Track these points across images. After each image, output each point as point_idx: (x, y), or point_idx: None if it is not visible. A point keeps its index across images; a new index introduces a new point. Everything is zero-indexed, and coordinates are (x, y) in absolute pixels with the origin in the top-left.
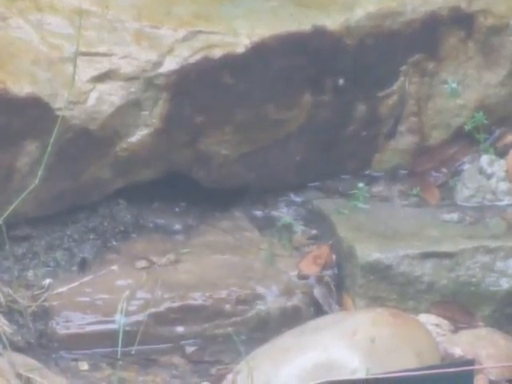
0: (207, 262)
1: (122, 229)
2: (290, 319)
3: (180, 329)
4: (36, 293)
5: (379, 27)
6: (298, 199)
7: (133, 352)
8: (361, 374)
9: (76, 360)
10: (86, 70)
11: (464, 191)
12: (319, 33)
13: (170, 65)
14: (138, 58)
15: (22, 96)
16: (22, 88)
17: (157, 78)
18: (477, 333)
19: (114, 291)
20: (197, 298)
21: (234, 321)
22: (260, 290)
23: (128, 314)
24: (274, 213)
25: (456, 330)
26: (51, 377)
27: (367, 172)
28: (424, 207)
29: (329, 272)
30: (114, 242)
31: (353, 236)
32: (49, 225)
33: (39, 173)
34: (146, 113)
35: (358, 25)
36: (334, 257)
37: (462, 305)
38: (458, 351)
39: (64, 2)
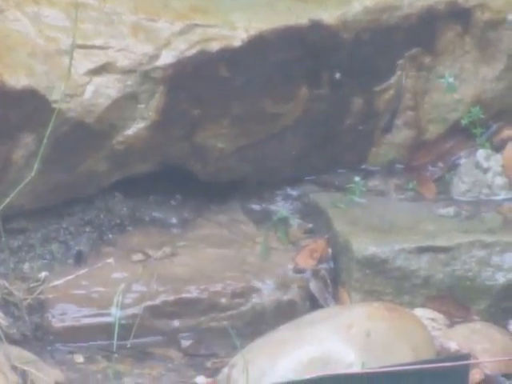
0: (203, 256)
1: (118, 222)
2: (285, 313)
3: (176, 322)
4: (32, 285)
5: (376, 21)
6: (294, 193)
7: (128, 345)
8: (356, 368)
9: (72, 353)
10: (83, 63)
11: (460, 185)
12: (316, 27)
13: (166, 58)
14: (135, 50)
15: (18, 88)
16: (18, 80)
17: (153, 71)
18: (472, 327)
19: (109, 284)
20: (192, 292)
21: (230, 314)
22: (256, 283)
23: (124, 306)
24: (271, 206)
25: (452, 324)
26: (47, 369)
27: (363, 166)
28: (420, 201)
29: (325, 266)
30: (110, 235)
31: (349, 230)
32: (45, 217)
33: (35, 165)
34: (143, 106)
35: (354, 19)
36: (330, 251)
37: (457, 299)
38: (453, 345)
39: None
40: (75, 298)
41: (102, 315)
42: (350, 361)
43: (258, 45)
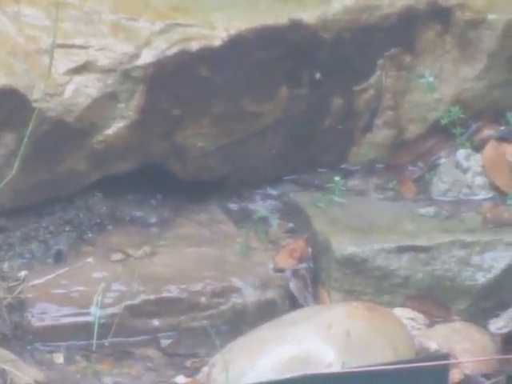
0: (183, 255)
1: (98, 221)
2: (265, 312)
3: (155, 321)
4: (11, 284)
5: (356, 21)
6: (274, 192)
7: (107, 344)
8: (336, 368)
9: (51, 352)
10: (63, 62)
11: (440, 185)
12: (296, 26)
13: (146, 57)
14: (115, 50)
15: None
16: None
17: (134, 71)
18: (452, 327)
19: (89, 283)
20: (172, 291)
21: (210, 313)
22: (236, 282)
23: (103, 306)
24: (250, 206)
25: (431, 324)
26: (26, 369)
27: (343, 165)
28: (400, 201)
29: (305, 265)
30: (90, 234)
31: (329, 229)
32: (24, 216)
33: (16, 164)
34: (123, 105)
35: (334, 18)
36: (309, 250)
37: (437, 299)
38: (433, 345)
39: None
40: (55, 298)
41: (82, 314)
42: (330, 360)
43: (238, 44)
